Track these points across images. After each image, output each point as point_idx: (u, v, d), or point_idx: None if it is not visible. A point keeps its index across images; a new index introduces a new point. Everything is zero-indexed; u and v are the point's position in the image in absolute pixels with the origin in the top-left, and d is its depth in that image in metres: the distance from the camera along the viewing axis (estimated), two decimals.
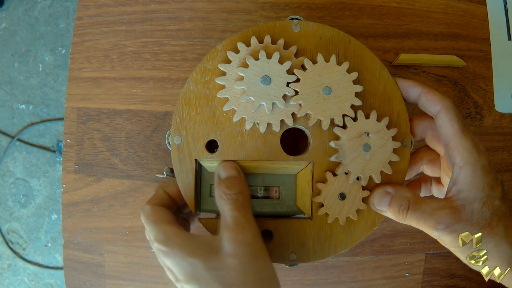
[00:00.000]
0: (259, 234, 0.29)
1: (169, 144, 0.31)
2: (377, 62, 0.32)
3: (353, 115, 0.30)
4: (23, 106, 1.23)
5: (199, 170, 0.32)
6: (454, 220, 0.27)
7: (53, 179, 1.22)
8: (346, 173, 0.31)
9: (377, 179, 0.31)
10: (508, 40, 0.44)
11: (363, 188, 0.31)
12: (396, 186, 0.30)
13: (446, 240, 0.28)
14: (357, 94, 0.30)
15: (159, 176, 0.42)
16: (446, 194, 0.29)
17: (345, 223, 0.32)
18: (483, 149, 0.28)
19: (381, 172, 0.31)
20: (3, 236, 1.21)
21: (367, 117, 0.31)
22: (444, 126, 0.29)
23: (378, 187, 0.31)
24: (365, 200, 0.32)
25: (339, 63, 0.31)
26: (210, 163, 0.32)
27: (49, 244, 1.22)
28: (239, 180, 0.30)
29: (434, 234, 0.28)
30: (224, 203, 0.29)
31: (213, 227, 0.31)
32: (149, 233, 0.30)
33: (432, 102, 0.30)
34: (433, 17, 0.43)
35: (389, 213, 0.30)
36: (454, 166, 0.28)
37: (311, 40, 0.31)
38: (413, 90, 0.31)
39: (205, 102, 0.31)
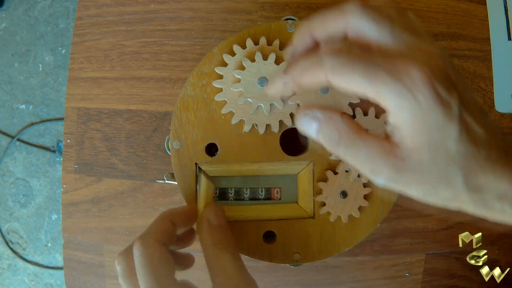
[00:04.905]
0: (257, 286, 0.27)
1: (169, 149, 0.31)
2: None
3: (351, 113, 0.30)
4: (23, 106, 1.23)
5: (199, 174, 0.32)
6: (397, 173, 0.21)
7: (53, 179, 1.22)
8: (346, 171, 0.31)
9: None
10: (508, 40, 0.44)
11: (364, 185, 0.31)
12: (329, 110, 0.23)
13: (393, 189, 0.22)
14: None
15: (160, 181, 0.42)
16: (387, 135, 0.22)
17: (348, 221, 0.32)
18: (419, 76, 0.19)
19: None
20: (3, 236, 1.21)
21: (365, 114, 0.31)
22: (348, 89, 0.21)
23: (306, 108, 0.23)
24: (367, 197, 0.32)
25: None
26: (211, 167, 0.32)
27: (49, 244, 1.22)
28: (229, 230, 0.28)
29: (375, 182, 0.22)
30: (222, 253, 0.26)
31: None
32: (145, 282, 0.25)
33: (315, 79, 0.22)
34: (433, 17, 0.43)
35: (320, 141, 0.23)
36: (387, 112, 0.21)
37: None
38: (290, 88, 0.24)
39: (203, 105, 0.31)
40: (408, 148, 0.21)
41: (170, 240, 0.27)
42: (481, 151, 0.21)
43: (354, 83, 0.20)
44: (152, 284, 0.24)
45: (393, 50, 0.21)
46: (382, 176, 0.21)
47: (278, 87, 0.25)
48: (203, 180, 0.30)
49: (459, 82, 0.21)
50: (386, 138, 0.22)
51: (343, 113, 0.23)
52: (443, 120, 0.20)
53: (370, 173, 0.22)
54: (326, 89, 0.30)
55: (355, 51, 0.20)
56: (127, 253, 0.27)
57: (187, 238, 0.31)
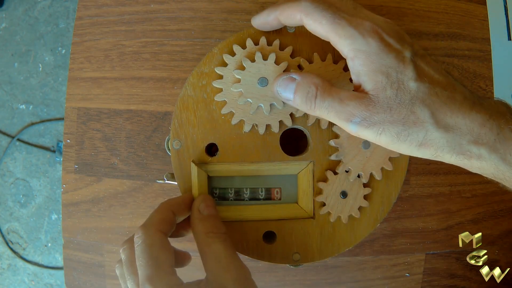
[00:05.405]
0: (250, 273, 0.27)
1: (169, 149, 0.31)
2: None
3: None
4: (23, 106, 1.23)
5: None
6: (369, 111, 0.24)
7: (53, 179, 1.22)
8: (346, 171, 0.31)
9: (378, 176, 0.31)
10: (508, 40, 0.44)
11: (364, 185, 0.32)
12: (304, 72, 0.27)
13: (368, 135, 0.25)
14: None
15: (160, 181, 0.42)
16: (355, 87, 0.26)
17: (348, 221, 0.32)
18: (370, 26, 0.24)
19: (382, 169, 0.31)
20: (3, 236, 1.21)
21: None
22: (315, 31, 0.26)
23: (282, 73, 0.28)
24: (367, 197, 0.32)
25: (335, 61, 0.31)
26: (211, 167, 0.32)
27: (49, 244, 1.22)
28: (220, 219, 0.29)
29: (351, 129, 0.25)
30: (213, 241, 0.27)
31: None
32: (144, 269, 0.25)
33: (292, 17, 0.26)
34: (433, 17, 0.43)
35: (297, 102, 0.26)
36: (347, 59, 0.25)
37: (306, 40, 0.31)
38: (272, 21, 0.28)
39: (203, 106, 0.31)
40: (372, 88, 0.24)
41: (170, 228, 0.28)
42: (443, 91, 0.24)
43: (321, 26, 0.25)
44: (151, 272, 0.25)
45: (358, 14, 0.25)
46: (357, 119, 0.24)
47: (263, 19, 0.29)
48: (195, 169, 0.31)
49: (415, 44, 0.25)
50: (355, 89, 0.25)
51: (314, 74, 0.26)
52: (397, 63, 0.24)
53: (346, 119, 0.24)
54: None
55: (327, 3, 0.25)
56: (132, 242, 0.27)
57: (185, 225, 0.31)
